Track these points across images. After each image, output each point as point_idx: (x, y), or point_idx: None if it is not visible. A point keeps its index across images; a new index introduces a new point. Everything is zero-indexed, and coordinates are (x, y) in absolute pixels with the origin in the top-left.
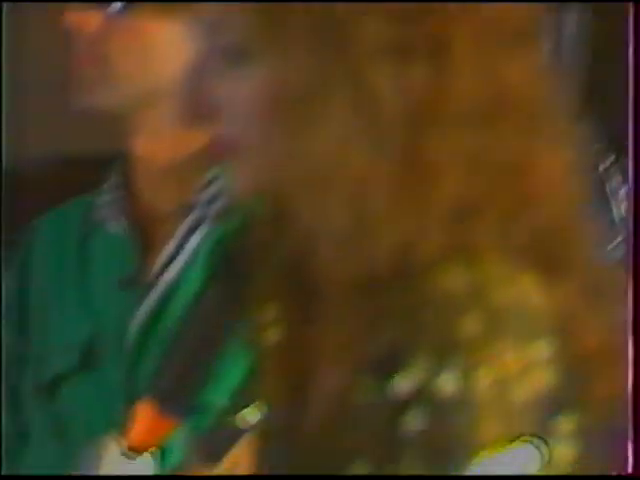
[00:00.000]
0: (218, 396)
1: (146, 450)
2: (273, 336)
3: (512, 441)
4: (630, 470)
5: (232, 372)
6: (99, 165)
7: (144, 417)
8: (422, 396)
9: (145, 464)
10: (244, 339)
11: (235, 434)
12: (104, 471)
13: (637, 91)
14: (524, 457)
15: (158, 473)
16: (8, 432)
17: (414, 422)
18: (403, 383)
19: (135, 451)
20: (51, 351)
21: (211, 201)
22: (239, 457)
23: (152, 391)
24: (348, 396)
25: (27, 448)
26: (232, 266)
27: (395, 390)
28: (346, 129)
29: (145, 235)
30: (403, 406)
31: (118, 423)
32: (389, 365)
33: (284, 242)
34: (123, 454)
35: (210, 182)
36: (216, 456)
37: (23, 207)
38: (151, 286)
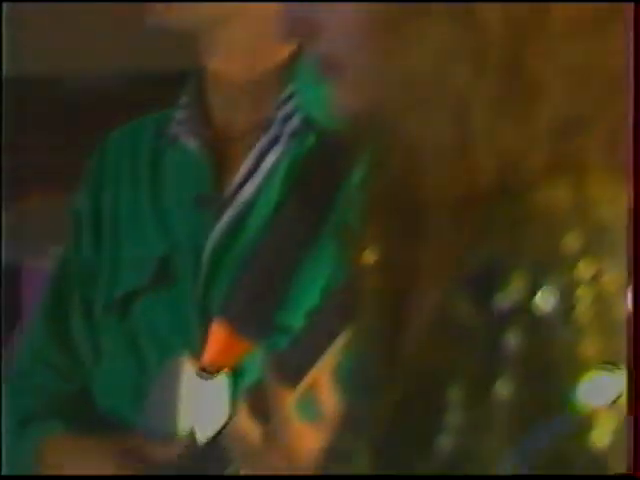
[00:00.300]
0: (295, 317)
1: (220, 370)
2: (369, 255)
3: (610, 362)
4: (630, 470)
5: (309, 293)
6: (173, 82)
7: (218, 337)
8: (522, 314)
9: (219, 384)
10: (338, 259)
11: (314, 355)
12: (179, 390)
13: (637, 91)
14: (617, 380)
15: (233, 393)
16: (83, 349)
17: (513, 340)
18: (502, 300)
19: (209, 371)
20: (124, 267)
21: (287, 119)
22: (319, 379)
23: (227, 311)
24: (446, 314)
25: (101, 364)
26: (310, 185)
27: (494, 307)
28: (445, 46)
29: (220, 153)
30: (502, 324)
31: (192, 342)
32: (489, 282)
33: (384, 160)
34: (197, 374)
35: (286, 100)
36: (294, 377)
37: (95, 123)
38: (226, 204)
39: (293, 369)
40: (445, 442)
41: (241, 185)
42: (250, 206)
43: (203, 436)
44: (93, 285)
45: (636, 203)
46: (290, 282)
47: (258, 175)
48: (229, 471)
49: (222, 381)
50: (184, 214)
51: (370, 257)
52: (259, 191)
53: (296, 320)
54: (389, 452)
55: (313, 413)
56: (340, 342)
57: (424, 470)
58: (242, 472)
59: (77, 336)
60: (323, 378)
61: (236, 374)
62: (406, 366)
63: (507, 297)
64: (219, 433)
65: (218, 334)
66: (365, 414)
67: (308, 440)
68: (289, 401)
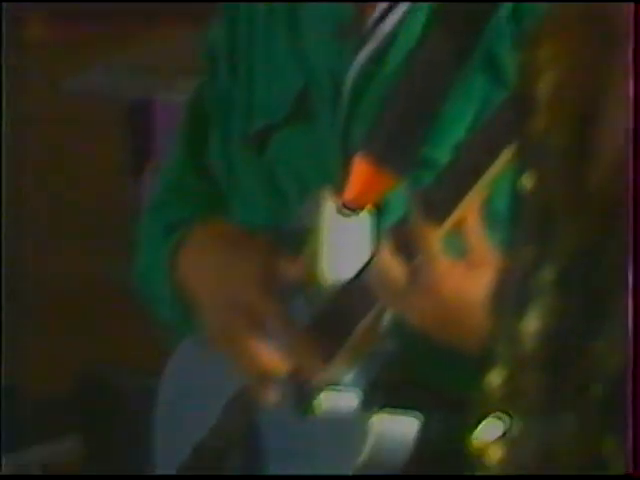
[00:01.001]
0: (441, 151)
1: (363, 207)
2: (547, 83)
3: None
4: (630, 470)
5: (456, 127)
6: None
7: (361, 173)
8: None
9: (362, 221)
10: (487, 91)
11: (462, 191)
12: (320, 227)
13: (637, 91)
14: None
15: (376, 231)
16: (222, 180)
17: None
18: None
19: (351, 208)
20: (260, 101)
21: None
22: (467, 215)
23: (369, 146)
24: None
25: (239, 197)
26: (456, 15)
27: None
28: None
29: None
30: None
31: (333, 178)
32: None
33: None
34: (339, 211)
35: None
36: (440, 213)
37: None
38: (368, 35)
39: (439, 205)
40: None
41: (383, 15)
42: (393, 37)
43: (345, 274)
44: (230, 117)
45: (636, 202)
46: (436, 115)
47: (401, 4)
48: (374, 311)
49: (365, 218)
50: (323, 46)
51: (546, 81)
52: (402, 21)
53: (442, 154)
54: (565, 302)
55: (460, 250)
56: (489, 176)
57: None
58: (387, 312)
59: (216, 167)
60: (471, 214)
61: (379, 211)
62: (592, 198)
63: None
64: (362, 272)
65: (361, 169)
66: (540, 250)
67: (454, 278)
68: (435, 238)
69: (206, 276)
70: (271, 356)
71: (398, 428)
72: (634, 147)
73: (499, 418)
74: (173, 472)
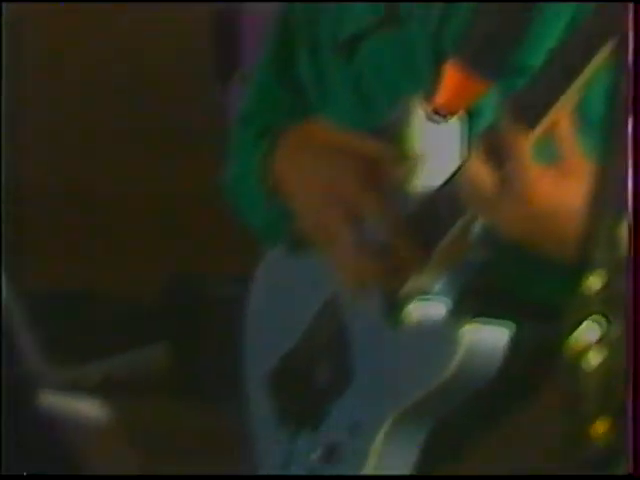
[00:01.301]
0: (535, 56)
1: (453, 113)
2: None
3: None
4: (630, 470)
5: (551, 30)
6: None
7: (452, 79)
8: None
9: (452, 127)
10: None
11: (554, 95)
12: (410, 134)
13: (637, 92)
14: None
15: (467, 137)
16: (310, 90)
17: None
18: None
19: (442, 114)
20: (351, 8)
21: None
22: (559, 119)
23: (461, 51)
24: None
25: (328, 106)
26: None
27: None
28: None
29: None
30: None
31: (424, 84)
32: None
33: None
34: (429, 117)
35: None
36: (532, 118)
37: None
38: None
39: (530, 110)
40: None
41: None
42: None
43: (435, 182)
44: (319, 26)
45: (636, 203)
46: (530, 19)
47: None
48: (464, 219)
49: (455, 124)
50: None
51: None
52: None
53: (536, 59)
54: None
55: (551, 156)
56: (583, 80)
57: None
58: (477, 220)
59: (304, 77)
60: (563, 118)
61: (470, 117)
62: None
63: None
64: (451, 179)
65: (452, 75)
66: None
67: (545, 184)
68: (526, 144)
69: (304, 172)
70: (364, 256)
71: (489, 337)
72: (634, 146)
73: (597, 322)
74: (261, 380)
